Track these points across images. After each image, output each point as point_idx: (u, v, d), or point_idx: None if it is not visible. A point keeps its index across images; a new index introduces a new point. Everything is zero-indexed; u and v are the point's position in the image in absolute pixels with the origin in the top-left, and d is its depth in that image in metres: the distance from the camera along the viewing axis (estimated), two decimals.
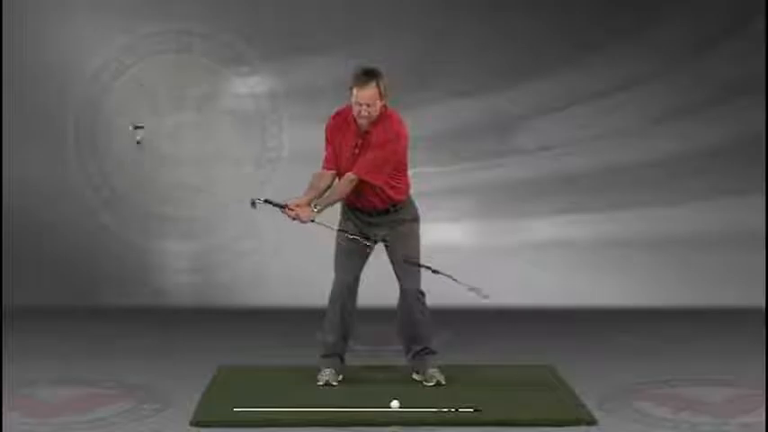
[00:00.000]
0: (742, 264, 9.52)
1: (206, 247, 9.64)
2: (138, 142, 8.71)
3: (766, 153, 9.58)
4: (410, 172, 6.77)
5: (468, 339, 8.23)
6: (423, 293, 6.76)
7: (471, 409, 6.20)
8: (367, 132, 6.59)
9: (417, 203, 6.81)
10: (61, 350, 7.94)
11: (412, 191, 6.80)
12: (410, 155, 6.72)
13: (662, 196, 9.68)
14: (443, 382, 6.74)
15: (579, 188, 9.71)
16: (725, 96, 9.64)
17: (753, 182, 9.62)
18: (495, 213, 9.73)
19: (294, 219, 6.54)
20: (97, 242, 9.61)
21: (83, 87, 9.56)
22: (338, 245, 6.77)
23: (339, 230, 6.72)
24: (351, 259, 6.74)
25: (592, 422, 6.09)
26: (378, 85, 6.50)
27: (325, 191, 6.63)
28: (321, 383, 6.76)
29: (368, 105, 6.51)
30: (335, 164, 6.68)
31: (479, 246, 9.64)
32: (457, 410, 6.20)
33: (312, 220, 6.53)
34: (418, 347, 6.82)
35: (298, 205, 6.53)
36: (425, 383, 6.77)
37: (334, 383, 6.77)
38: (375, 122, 6.57)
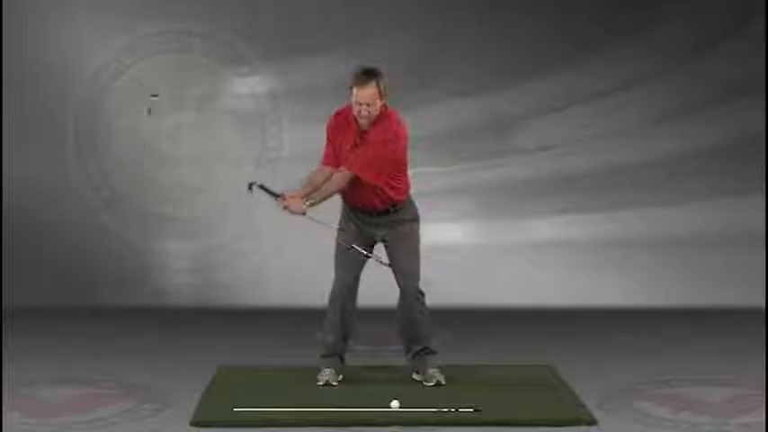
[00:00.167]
0: (742, 264, 9.52)
1: (206, 247, 9.64)
2: (148, 112, 8.73)
3: (766, 153, 9.58)
4: (410, 172, 6.77)
5: (468, 339, 8.23)
6: (422, 293, 6.76)
7: (471, 409, 6.20)
8: (365, 131, 6.60)
9: (417, 203, 6.81)
10: (61, 350, 7.94)
11: (412, 191, 6.79)
12: (410, 155, 6.72)
13: (662, 196, 9.67)
14: (443, 382, 6.74)
15: (579, 188, 9.70)
16: (725, 96, 9.64)
17: (753, 182, 9.62)
18: (495, 213, 9.73)
19: (285, 209, 6.54)
20: (97, 242, 9.60)
21: (83, 87, 9.56)
22: (338, 245, 6.77)
23: (338, 229, 6.72)
24: (351, 259, 6.74)
25: (592, 422, 6.09)
26: (378, 85, 6.50)
27: (322, 185, 6.63)
28: (321, 383, 6.75)
29: (368, 105, 6.51)
30: (335, 161, 6.68)
31: (479, 246, 9.64)
32: (457, 410, 6.20)
33: (303, 213, 6.54)
34: (418, 347, 6.81)
35: (292, 197, 6.55)
36: (425, 383, 6.77)
37: (335, 383, 6.76)
38: (374, 122, 6.57)
